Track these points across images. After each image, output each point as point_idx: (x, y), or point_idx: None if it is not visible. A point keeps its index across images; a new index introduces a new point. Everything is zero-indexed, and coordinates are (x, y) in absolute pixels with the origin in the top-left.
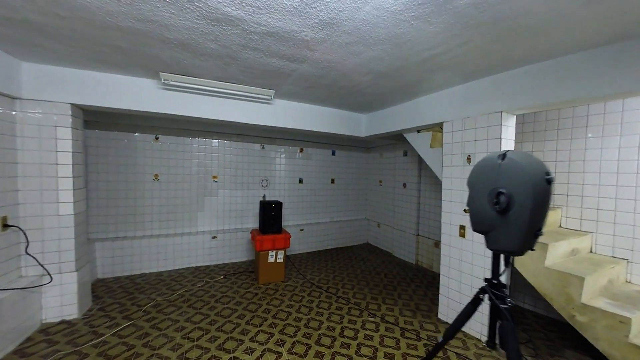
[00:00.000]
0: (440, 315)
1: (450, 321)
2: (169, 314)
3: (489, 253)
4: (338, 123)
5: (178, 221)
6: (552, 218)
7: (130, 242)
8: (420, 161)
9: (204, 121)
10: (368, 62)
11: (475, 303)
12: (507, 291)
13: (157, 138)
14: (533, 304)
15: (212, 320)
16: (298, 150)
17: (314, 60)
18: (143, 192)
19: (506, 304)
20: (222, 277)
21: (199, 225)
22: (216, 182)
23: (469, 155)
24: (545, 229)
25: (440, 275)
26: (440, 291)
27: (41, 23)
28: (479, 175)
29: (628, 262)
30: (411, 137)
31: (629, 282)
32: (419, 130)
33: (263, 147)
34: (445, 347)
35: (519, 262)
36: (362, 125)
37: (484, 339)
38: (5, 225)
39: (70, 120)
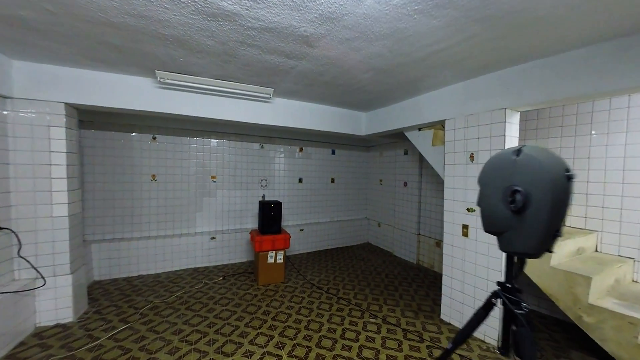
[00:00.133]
0: (442, 316)
1: (453, 322)
2: (166, 317)
3: (493, 253)
4: (338, 121)
5: (176, 222)
6: None
7: (127, 243)
8: (421, 160)
9: (202, 120)
10: (369, 59)
11: (487, 308)
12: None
13: (154, 138)
14: (536, 303)
15: (210, 323)
16: (297, 150)
17: (313, 57)
18: (140, 192)
19: (522, 309)
20: (221, 278)
21: (197, 226)
22: (215, 182)
23: (472, 153)
24: None
25: (443, 276)
26: (443, 292)
27: (30, 19)
28: (491, 172)
29: (635, 261)
30: (412, 136)
31: (636, 281)
32: (420, 128)
33: (262, 147)
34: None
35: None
36: (362, 123)
37: (488, 340)
38: None
39: (64, 119)
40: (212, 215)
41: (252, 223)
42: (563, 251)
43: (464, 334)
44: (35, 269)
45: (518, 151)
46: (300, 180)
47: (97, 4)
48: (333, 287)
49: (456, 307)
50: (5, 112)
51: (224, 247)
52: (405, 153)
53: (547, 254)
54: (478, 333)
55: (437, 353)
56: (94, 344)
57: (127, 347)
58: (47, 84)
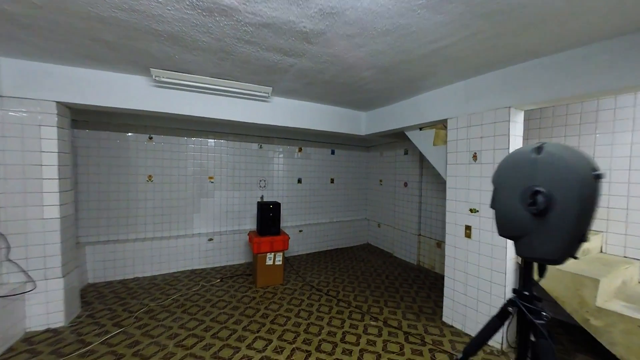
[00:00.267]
0: (444, 319)
1: (455, 325)
2: (162, 320)
3: (497, 255)
4: (338, 121)
5: (173, 223)
6: None
7: (122, 245)
8: (422, 159)
9: (199, 120)
10: (370, 56)
11: (502, 317)
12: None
13: (150, 138)
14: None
15: (207, 327)
16: (297, 150)
17: (313, 54)
18: (136, 193)
19: (542, 319)
20: (218, 280)
21: (194, 227)
22: (212, 182)
23: (475, 153)
24: None
25: (445, 278)
26: (445, 294)
27: (15, 13)
28: (508, 171)
29: None
30: (413, 135)
31: None
32: (421, 127)
33: (261, 147)
34: (452, 351)
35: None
36: (362, 123)
37: (491, 342)
38: None
39: (56, 119)
40: (209, 217)
41: (251, 224)
42: None
43: (477, 344)
44: (25, 272)
45: (538, 149)
46: (299, 181)
47: None
48: (333, 289)
49: (459, 310)
50: None
51: (222, 249)
52: (406, 153)
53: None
54: None
55: (440, 357)
56: (86, 349)
57: (120, 352)
58: (37, 82)
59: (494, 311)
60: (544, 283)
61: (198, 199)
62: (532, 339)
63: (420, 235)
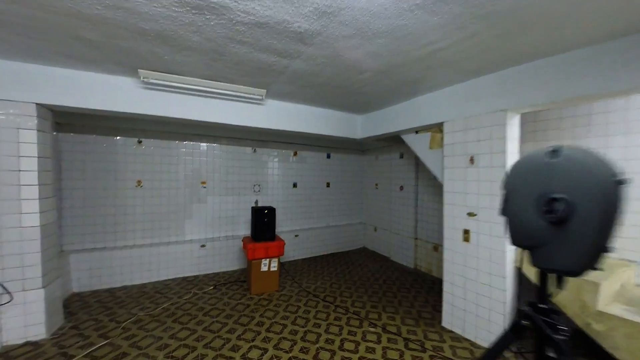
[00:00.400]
0: (444, 324)
1: (455, 330)
2: (151, 331)
3: (496, 259)
4: (333, 125)
5: (163, 230)
6: None
7: (110, 253)
8: (417, 163)
9: (191, 123)
10: (366, 58)
11: (516, 330)
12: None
13: (139, 142)
14: None
15: (199, 336)
16: (292, 154)
17: (308, 56)
18: (124, 199)
19: (562, 335)
20: (211, 287)
21: (186, 233)
22: (205, 187)
23: (472, 156)
24: None
25: (443, 282)
26: (444, 298)
27: None
28: (520, 176)
29: (638, 264)
30: (409, 139)
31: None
32: (417, 131)
33: (255, 151)
34: (452, 358)
35: (527, 267)
36: (357, 126)
37: None
38: None
39: (36, 121)
40: (202, 222)
41: (245, 229)
42: None
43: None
44: (0, 284)
45: (554, 152)
46: (294, 185)
47: None
48: (330, 295)
49: (458, 315)
50: None
51: (215, 255)
52: (401, 157)
53: None
54: (482, 341)
55: None
56: None
57: None
58: (15, 82)
59: (494, 316)
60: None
61: (190, 205)
62: (550, 354)
63: (416, 238)
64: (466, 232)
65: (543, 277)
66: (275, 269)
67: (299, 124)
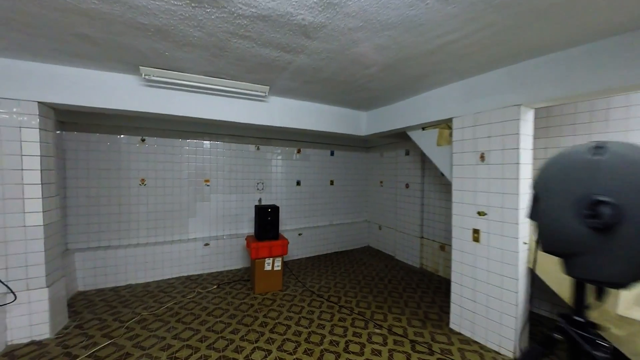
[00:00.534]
0: (452, 325)
1: (463, 332)
2: (154, 330)
3: (508, 260)
4: (337, 121)
5: (167, 228)
6: None
7: (114, 251)
8: (424, 160)
9: (194, 121)
10: (373, 52)
11: (548, 345)
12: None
13: (143, 140)
14: (549, 310)
15: (202, 337)
16: (295, 151)
17: (312, 50)
18: (128, 198)
19: (604, 351)
20: (215, 286)
21: (190, 232)
22: (208, 186)
23: (482, 153)
24: None
25: (452, 283)
26: (452, 299)
27: None
28: (557, 176)
29: None
30: (415, 135)
31: None
32: (424, 127)
33: (258, 148)
34: None
35: (541, 268)
36: (362, 123)
37: (504, 352)
38: None
39: (38, 120)
40: (205, 221)
41: (248, 228)
42: None
43: None
44: (3, 283)
45: (599, 148)
46: (298, 183)
47: None
48: (334, 295)
49: (467, 317)
50: None
51: (219, 254)
52: (407, 153)
53: None
54: (492, 344)
55: None
56: None
57: None
58: (17, 81)
59: (506, 319)
60: (558, 289)
61: (193, 203)
62: None
63: (422, 237)
64: (476, 231)
65: (580, 287)
66: (279, 268)
67: (303, 121)
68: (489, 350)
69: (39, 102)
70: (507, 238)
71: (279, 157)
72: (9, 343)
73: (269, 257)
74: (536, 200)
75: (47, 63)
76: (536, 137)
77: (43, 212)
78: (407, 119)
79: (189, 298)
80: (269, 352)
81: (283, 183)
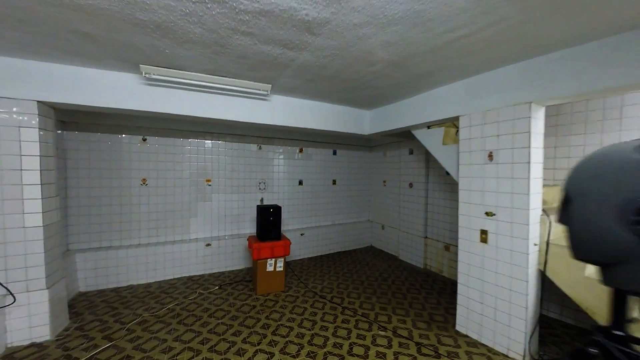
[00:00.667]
0: (458, 327)
1: (470, 334)
2: (155, 332)
3: (517, 261)
4: (340, 120)
5: (169, 228)
6: None
7: (115, 252)
8: (428, 159)
9: (195, 120)
10: (378, 49)
11: (581, 359)
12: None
13: (144, 139)
14: (559, 312)
15: (204, 339)
16: (297, 151)
17: (315, 47)
18: (130, 198)
19: None
20: (217, 287)
21: (191, 232)
22: (210, 185)
23: (491, 152)
24: None
25: (458, 284)
26: (458, 301)
27: None
28: (594, 177)
29: None
30: (420, 134)
31: None
32: (429, 126)
33: (260, 148)
34: None
35: (551, 270)
36: (366, 122)
37: (513, 354)
38: None
39: (37, 119)
40: (207, 221)
41: (250, 228)
42: None
43: None
44: (3, 285)
45: None
46: (300, 183)
47: None
48: (337, 296)
49: (474, 319)
50: None
51: (220, 254)
52: (411, 152)
53: (581, 263)
54: (500, 347)
55: None
56: None
57: None
58: (15, 79)
59: (515, 321)
60: (570, 292)
61: (195, 203)
62: None
63: (426, 237)
64: (483, 232)
65: (620, 299)
66: (281, 269)
67: (305, 120)
68: (497, 354)
69: (38, 102)
70: (516, 239)
71: (281, 157)
72: (9, 345)
73: (271, 257)
74: (568, 202)
75: (46, 61)
76: (545, 135)
77: (43, 212)
78: (412, 117)
79: (191, 299)
80: (272, 354)
81: (285, 183)
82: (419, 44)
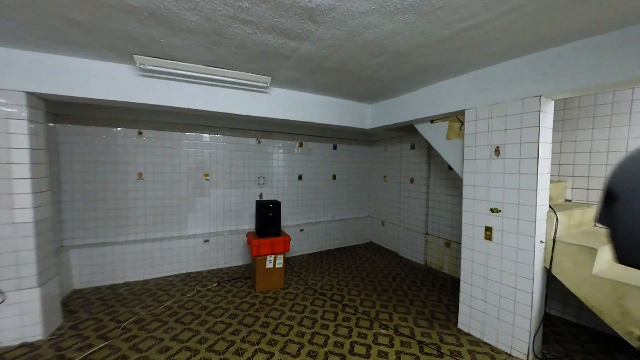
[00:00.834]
0: (460, 326)
1: (472, 332)
2: (152, 331)
3: (523, 259)
4: (341, 114)
5: (166, 224)
6: (584, 216)
7: (111, 248)
8: (430, 154)
9: (192, 113)
10: (384, 39)
11: None
12: None
13: (140, 133)
14: (561, 309)
15: (202, 338)
16: (297, 145)
17: (318, 37)
18: (126, 192)
19: None
20: (215, 284)
21: (189, 227)
22: (208, 180)
23: (497, 147)
24: (577, 229)
25: (461, 282)
26: (461, 299)
27: None
28: None
29: None
30: (423, 129)
31: None
32: (432, 120)
33: (259, 142)
34: None
35: (558, 268)
36: (367, 116)
37: (516, 353)
38: None
39: (27, 111)
40: (205, 216)
41: (249, 223)
42: (604, 256)
43: None
44: None
45: None
46: (300, 177)
47: None
48: (337, 293)
49: (477, 317)
50: None
51: (219, 250)
52: (412, 147)
53: (590, 262)
54: (503, 346)
55: None
56: None
57: None
58: (2, 70)
59: (519, 320)
60: (577, 290)
61: (193, 198)
62: None
63: (427, 234)
64: (488, 229)
65: None
66: (281, 265)
67: (306, 114)
68: (500, 352)
69: (26, 92)
70: (522, 236)
71: (281, 151)
72: (0, 345)
73: (271, 254)
74: (612, 200)
75: (34, 51)
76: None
77: (33, 208)
78: (416, 111)
79: (189, 296)
80: (272, 354)
81: (284, 177)
82: (427, 34)
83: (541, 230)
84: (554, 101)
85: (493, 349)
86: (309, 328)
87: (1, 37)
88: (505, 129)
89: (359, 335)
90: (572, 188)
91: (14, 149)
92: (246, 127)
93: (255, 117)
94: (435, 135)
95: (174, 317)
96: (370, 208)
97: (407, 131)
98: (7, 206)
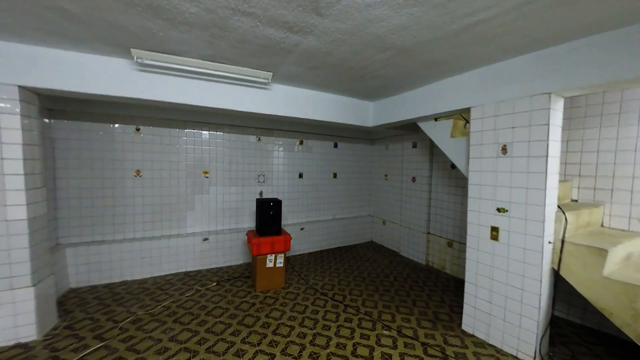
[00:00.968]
0: (464, 327)
1: (477, 334)
2: (150, 332)
3: (531, 260)
4: (343, 112)
5: (164, 222)
6: (591, 216)
7: (108, 246)
8: (432, 153)
9: (191, 109)
10: (390, 33)
11: None
12: None
13: (138, 129)
14: (566, 311)
15: (201, 339)
16: (297, 143)
17: (322, 31)
18: (123, 190)
19: None
20: (214, 283)
21: (188, 226)
22: (207, 178)
23: (504, 145)
24: (585, 229)
25: (465, 283)
26: (465, 300)
27: None
28: None
29: None
30: (427, 127)
31: None
32: (436, 118)
33: (259, 139)
34: None
35: (566, 270)
36: (369, 113)
37: (522, 356)
38: None
39: (19, 106)
40: (204, 214)
41: (249, 222)
42: (614, 257)
43: None
44: None
45: None
46: (300, 176)
47: None
48: (339, 293)
49: (482, 318)
50: None
51: (218, 249)
52: (414, 146)
53: (600, 263)
54: (509, 348)
55: None
56: None
57: None
58: None
59: (526, 322)
60: (586, 292)
61: (192, 196)
62: None
63: (429, 233)
64: (494, 229)
65: None
66: (281, 264)
67: (307, 111)
68: (506, 355)
69: (19, 86)
70: (530, 237)
71: (281, 149)
72: None
73: (271, 253)
74: None
75: (27, 44)
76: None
77: (27, 205)
78: (419, 109)
79: (187, 296)
80: (273, 356)
81: (285, 175)
82: (435, 29)
83: (549, 230)
84: (563, 99)
85: (499, 351)
86: (311, 329)
87: None
88: (513, 127)
89: (362, 336)
90: (579, 188)
91: (6, 144)
92: (246, 124)
93: (256, 113)
94: (439, 133)
95: (172, 317)
96: (371, 207)
97: (409, 129)
98: (0, 203)
